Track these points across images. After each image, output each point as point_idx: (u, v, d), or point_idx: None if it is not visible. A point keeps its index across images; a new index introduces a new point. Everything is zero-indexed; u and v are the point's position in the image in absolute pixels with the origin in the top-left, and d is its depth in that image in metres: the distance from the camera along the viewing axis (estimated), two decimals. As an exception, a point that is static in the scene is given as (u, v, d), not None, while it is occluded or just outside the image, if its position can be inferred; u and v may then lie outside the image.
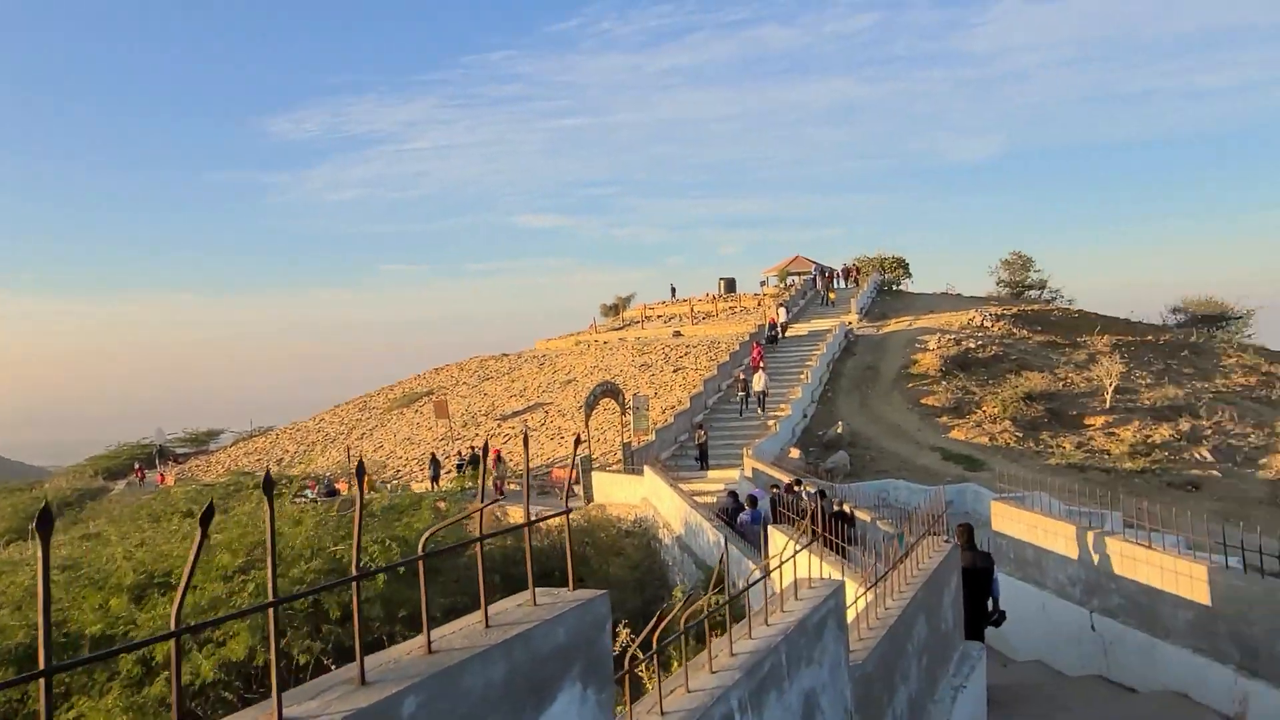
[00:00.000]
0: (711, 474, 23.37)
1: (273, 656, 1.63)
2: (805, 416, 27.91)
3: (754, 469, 20.58)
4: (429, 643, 2.07)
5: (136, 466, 46.20)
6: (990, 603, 8.72)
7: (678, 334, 44.53)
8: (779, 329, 37.74)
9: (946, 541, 8.05)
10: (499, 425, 37.92)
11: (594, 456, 27.42)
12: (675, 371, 37.34)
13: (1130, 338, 36.36)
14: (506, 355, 52.68)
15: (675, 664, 4.40)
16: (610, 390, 27.15)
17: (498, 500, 24.33)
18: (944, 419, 27.28)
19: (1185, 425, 26.07)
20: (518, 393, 42.83)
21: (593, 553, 16.05)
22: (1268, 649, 7.65)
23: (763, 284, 55.54)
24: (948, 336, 34.59)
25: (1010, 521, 11.48)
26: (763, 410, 28.44)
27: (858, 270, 50.17)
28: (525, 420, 37.61)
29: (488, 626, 2.41)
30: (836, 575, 8.23)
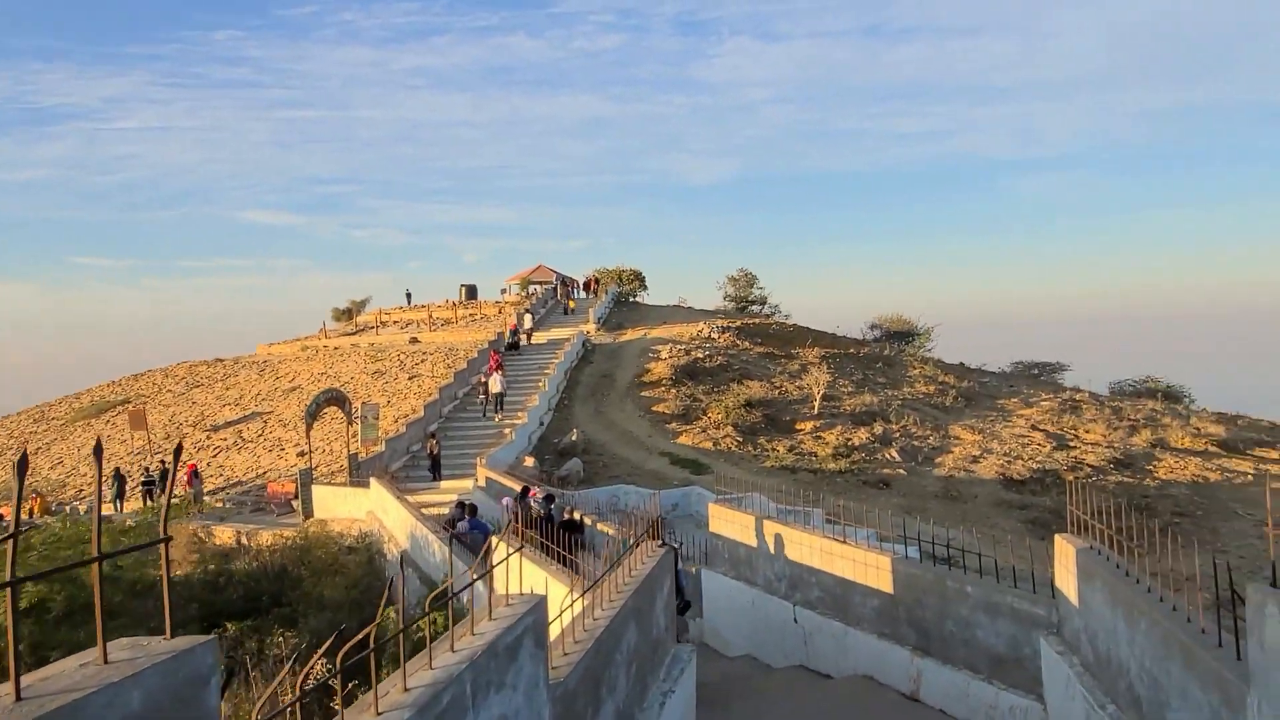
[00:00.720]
0: (445, 484, 22.61)
1: None
2: (542, 424, 27.87)
3: (488, 478, 20.09)
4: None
5: None
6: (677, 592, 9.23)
7: (414, 340, 42.90)
8: (523, 335, 37.58)
9: (661, 545, 8.11)
10: (208, 437, 34.30)
11: (316, 468, 25.60)
12: (411, 379, 35.89)
13: (836, 350, 40.22)
14: (222, 361, 47.95)
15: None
16: (335, 398, 25.41)
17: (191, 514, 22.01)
18: (673, 425, 28.41)
19: (879, 429, 29.15)
20: (232, 401, 39.08)
21: (307, 573, 14.78)
22: (937, 630, 8.46)
23: (503, 292, 55.15)
24: (679, 347, 36.22)
25: (725, 523, 11.95)
26: (501, 411, 28.13)
27: (597, 281, 51.34)
28: (240, 430, 34.34)
29: (18, 700, 1.81)
30: (559, 584, 8.01)
